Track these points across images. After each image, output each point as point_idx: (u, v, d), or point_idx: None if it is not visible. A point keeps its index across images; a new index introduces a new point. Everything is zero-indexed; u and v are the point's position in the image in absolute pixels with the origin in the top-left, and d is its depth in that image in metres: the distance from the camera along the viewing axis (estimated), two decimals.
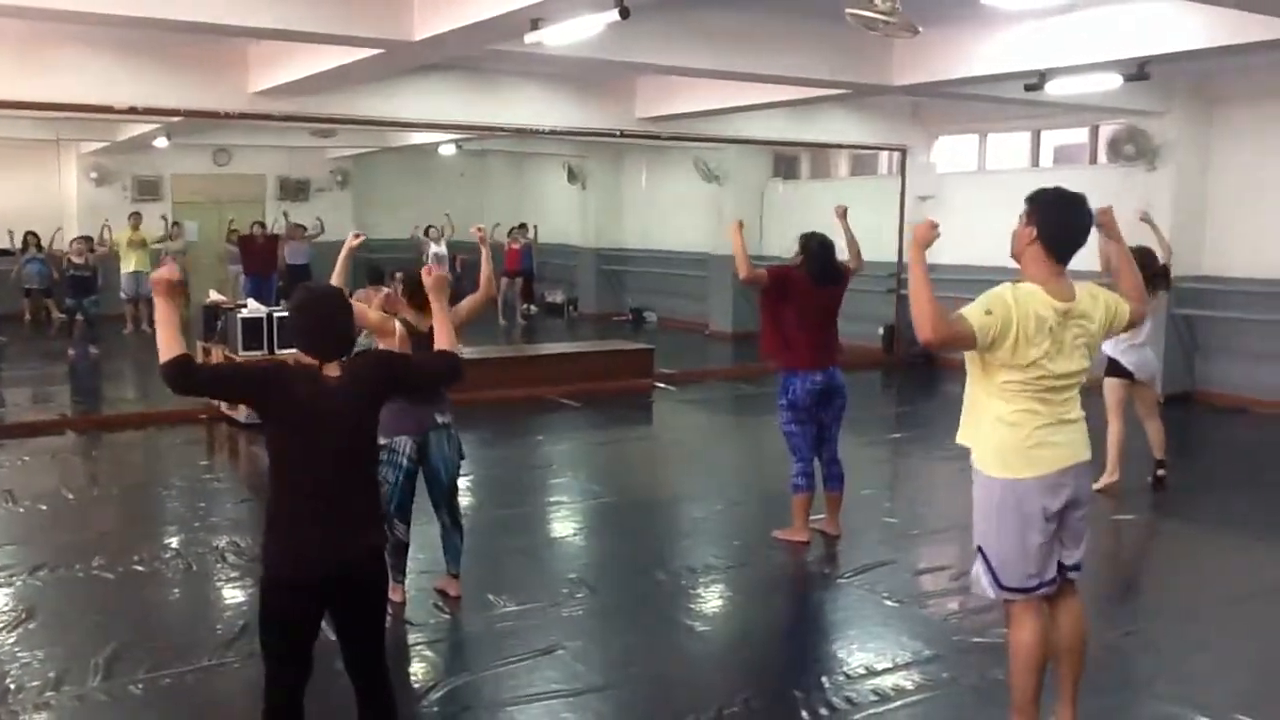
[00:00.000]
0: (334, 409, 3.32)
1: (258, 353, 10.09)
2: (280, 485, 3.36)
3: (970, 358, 3.88)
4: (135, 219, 17.22)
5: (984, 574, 3.93)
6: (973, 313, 3.72)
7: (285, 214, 19.07)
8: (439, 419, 5.47)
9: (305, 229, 17.66)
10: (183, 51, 10.01)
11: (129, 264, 16.73)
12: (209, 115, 11.57)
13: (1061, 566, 3.94)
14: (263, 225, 17.74)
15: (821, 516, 6.91)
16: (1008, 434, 3.80)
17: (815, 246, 6.64)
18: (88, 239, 15.19)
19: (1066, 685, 4.06)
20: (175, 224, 19.05)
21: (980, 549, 3.93)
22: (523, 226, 19.66)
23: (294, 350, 3.38)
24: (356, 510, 3.38)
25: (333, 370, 3.34)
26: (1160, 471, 8.00)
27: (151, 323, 13.29)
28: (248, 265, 16.92)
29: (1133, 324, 4.11)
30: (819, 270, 6.60)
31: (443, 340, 3.64)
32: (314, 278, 17.35)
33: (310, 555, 3.29)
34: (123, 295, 16.92)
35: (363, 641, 3.46)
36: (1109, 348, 7.46)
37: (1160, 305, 7.47)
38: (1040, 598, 3.93)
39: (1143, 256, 7.04)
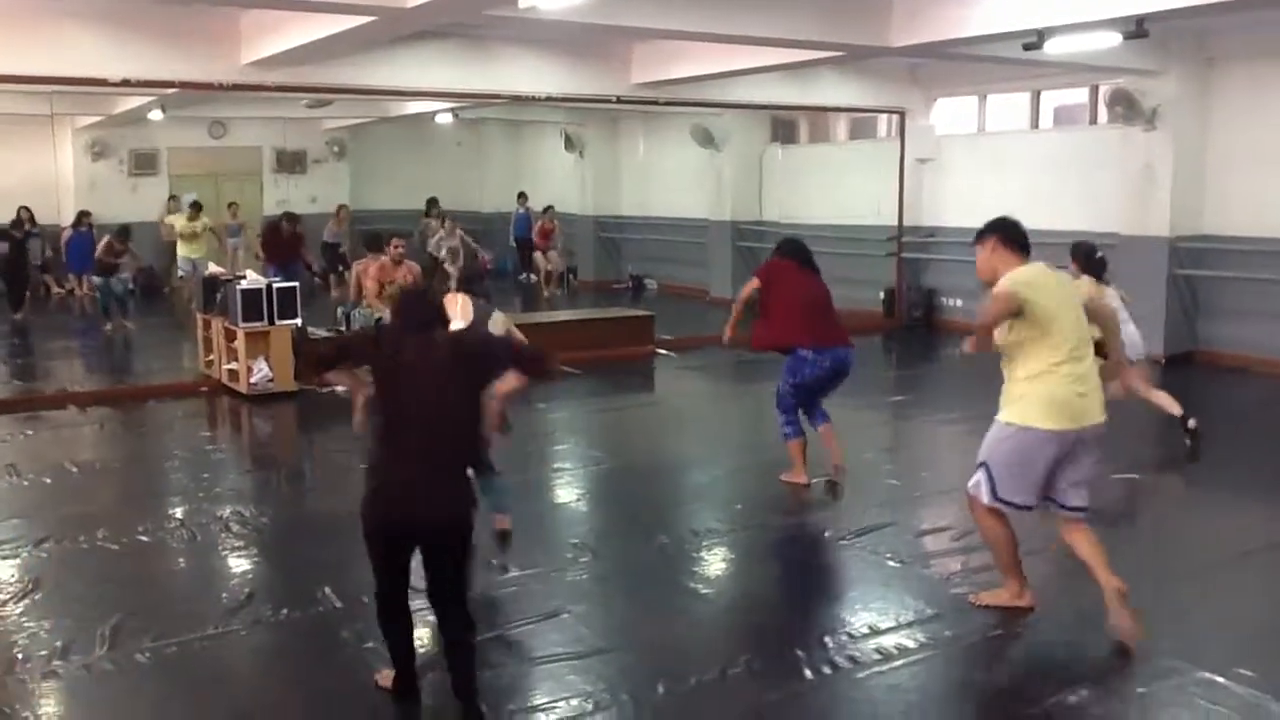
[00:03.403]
0: None
1: (258, 324, 10.09)
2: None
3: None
4: (194, 210, 16.74)
5: (985, 482, 4.82)
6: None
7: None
8: None
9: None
10: (174, 23, 9.92)
11: (187, 251, 16.41)
12: (202, 87, 11.53)
13: (1064, 505, 4.81)
14: (293, 218, 16.15)
15: (818, 478, 6.93)
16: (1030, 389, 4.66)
17: (789, 244, 7.27)
18: (122, 234, 14.81)
19: (1099, 565, 4.75)
20: (173, 198, 19.07)
21: (985, 464, 4.80)
22: (522, 196, 19.53)
23: None
24: None
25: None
26: (1190, 423, 7.94)
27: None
28: (271, 255, 15.53)
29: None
30: (796, 251, 7.12)
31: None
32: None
33: None
34: (180, 274, 16.89)
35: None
36: None
37: (1114, 294, 7.85)
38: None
39: (1088, 249, 7.98)
